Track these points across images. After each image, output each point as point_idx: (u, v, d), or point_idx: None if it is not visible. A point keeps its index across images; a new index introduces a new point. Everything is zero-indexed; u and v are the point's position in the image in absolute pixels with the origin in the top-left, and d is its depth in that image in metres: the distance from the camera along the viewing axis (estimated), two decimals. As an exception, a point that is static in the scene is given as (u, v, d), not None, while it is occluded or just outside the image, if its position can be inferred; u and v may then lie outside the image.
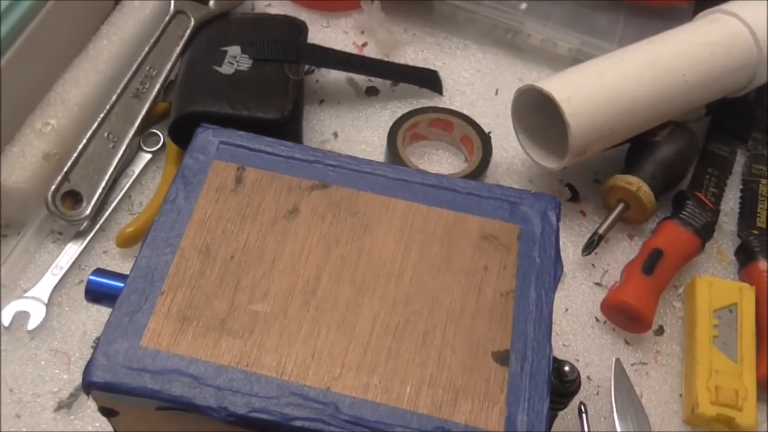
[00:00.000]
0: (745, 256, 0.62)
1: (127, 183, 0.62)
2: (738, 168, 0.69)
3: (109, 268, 0.45)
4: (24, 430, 0.50)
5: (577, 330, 0.58)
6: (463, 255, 0.43)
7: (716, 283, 0.59)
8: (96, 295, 0.43)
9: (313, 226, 0.43)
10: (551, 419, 0.48)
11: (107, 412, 0.39)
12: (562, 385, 0.44)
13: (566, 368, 0.44)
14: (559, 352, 0.57)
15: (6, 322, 0.54)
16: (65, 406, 0.51)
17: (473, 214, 0.44)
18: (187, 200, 0.43)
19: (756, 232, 0.63)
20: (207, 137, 0.46)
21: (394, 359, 0.38)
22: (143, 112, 0.63)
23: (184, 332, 0.38)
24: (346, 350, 0.39)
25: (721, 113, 0.70)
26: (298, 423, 0.36)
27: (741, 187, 0.67)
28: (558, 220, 0.45)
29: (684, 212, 0.62)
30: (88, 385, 0.37)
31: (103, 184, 0.60)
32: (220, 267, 0.41)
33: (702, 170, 0.67)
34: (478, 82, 0.73)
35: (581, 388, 0.55)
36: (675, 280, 0.61)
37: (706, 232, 0.61)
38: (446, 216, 0.44)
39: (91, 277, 0.43)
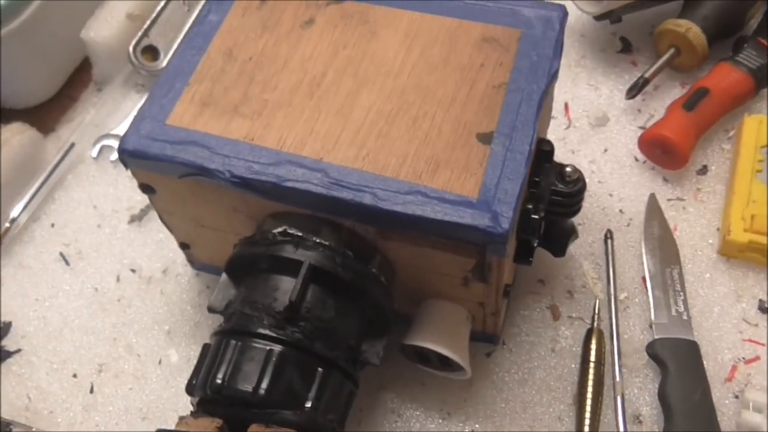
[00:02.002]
0: (804, 96, 0.58)
1: (200, 44, 0.69)
2: (815, 18, 0.64)
3: None
4: (104, 236, 0.59)
5: (615, 169, 0.58)
6: (462, 55, 0.45)
7: (766, 121, 0.56)
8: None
9: (325, 33, 0.47)
10: (568, 231, 0.49)
11: (145, 188, 0.46)
12: (565, 185, 0.45)
13: (568, 169, 0.46)
14: (593, 189, 0.58)
15: (94, 154, 0.63)
16: (137, 219, 0.59)
17: (477, 21, 0.46)
18: (217, 15, 0.49)
19: (822, 74, 0.59)
20: (241, -35, 0.51)
21: (384, 138, 0.42)
22: (215, -19, 0.69)
23: (203, 114, 0.44)
24: (341, 130, 0.42)
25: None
26: (290, 184, 0.41)
27: (815, 34, 0.63)
28: (561, 25, 0.46)
29: (740, 55, 0.59)
30: (122, 152, 0.43)
31: (178, 41, 0.67)
32: (239, 66, 0.46)
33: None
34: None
35: (612, 220, 0.56)
36: (726, 123, 0.59)
37: (761, 74, 0.59)
38: (451, 23, 0.46)
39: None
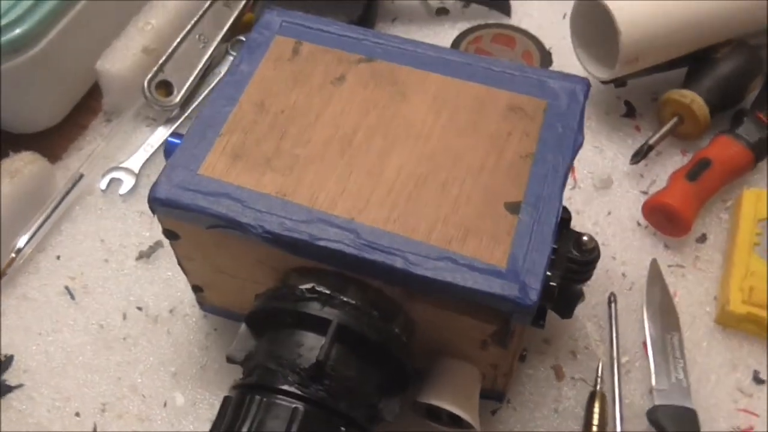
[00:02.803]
0: (800, 172, 0.61)
1: (213, 81, 0.69)
2: (809, 95, 0.68)
3: None
4: (111, 272, 0.58)
5: (618, 232, 0.60)
6: (490, 122, 0.46)
7: (764, 195, 0.59)
8: (172, 151, 0.50)
9: (356, 92, 0.48)
10: (577, 294, 0.51)
11: (169, 234, 0.46)
12: (581, 254, 0.47)
13: (584, 238, 0.47)
14: (596, 250, 0.59)
15: (103, 186, 0.63)
16: (145, 255, 0.59)
17: (504, 89, 0.48)
18: (249, 66, 0.49)
19: (816, 152, 0.62)
20: (272, 16, 0.52)
21: (414, 201, 0.43)
22: (231, 20, 0.70)
23: (235, 166, 0.44)
24: (371, 191, 0.43)
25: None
26: (322, 243, 0.41)
27: (809, 111, 0.66)
28: (585, 97, 0.47)
29: (739, 128, 0.62)
30: (153, 200, 0.43)
31: (192, 77, 0.67)
32: (271, 118, 0.46)
33: (766, 92, 0.66)
34: (546, 6, 0.75)
35: (614, 283, 0.57)
36: (724, 194, 0.62)
37: (759, 148, 0.61)
38: (478, 89, 0.48)
39: (170, 139, 0.50)
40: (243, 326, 0.45)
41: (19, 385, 0.53)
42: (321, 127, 0.46)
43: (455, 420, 0.47)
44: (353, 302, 0.42)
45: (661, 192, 0.59)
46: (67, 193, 0.61)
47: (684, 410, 0.50)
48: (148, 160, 0.64)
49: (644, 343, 0.54)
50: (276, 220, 0.42)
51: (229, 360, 0.44)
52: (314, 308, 0.41)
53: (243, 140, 0.45)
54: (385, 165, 0.44)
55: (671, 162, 0.64)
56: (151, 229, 0.60)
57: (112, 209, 0.62)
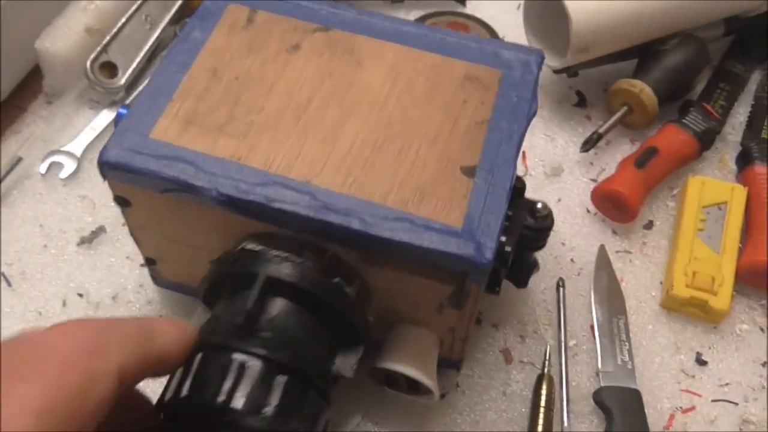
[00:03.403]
0: (743, 160, 0.62)
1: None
2: (753, 87, 0.69)
3: None
4: (50, 258, 0.56)
5: (567, 219, 0.61)
6: (445, 91, 0.46)
7: (709, 182, 0.60)
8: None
9: (311, 60, 0.47)
10: (532, 264, 0.51)
11: (121, 201, 0.45)
12: (536, 220, 0.47)
13: (539, 205, 0.48)
14: (546, 236, 0.59)
15: (43, 170, 0.61)
16: (87, 241, 0.57)
17: (460, 59, 0.48)
18: (201, 33, 0.48)
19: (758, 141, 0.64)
20: (226, -15, 0.51)
21: (370, 166, 0.43)
22: (179, 2, 0.68)
23: (188, 131, 0.43)
24: (327, 156, 0.43)
25: (742, 33, 0.71)
26: (278, 205, 0.41)
27: (752, 103, 0.68)
28: (539, 68, 0.48)
29: (686, 118, 0.63)
30: (103, 164, 0.42)
31: (138, 59, 0.65)
32: (224, 86, 0.45)
33: (714, 84, 0.67)
34: (501, -5, 0.75)
35: (563, 269, 0.58)
36: (671, 181, 0.63)
37: (705, 138, 0.62)
38: (434, 59, 0.48)
39: (121, 110, 0.48)
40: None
41: (-49, 374, 0.51)
42: (276, 95, 0.45)
43: (413, 386, 0.47)
44: (286, 254, 0.41)
45: (609, 179, 0.60)
46: (5, 176, 0.59)
47: (629, 391, 0.51)
48: (90, 143, 0.62)
49: (591, 327, 0.55)
50: (231, 183, 0.41)
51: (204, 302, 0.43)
52: (246, 265, 0.41)
53: (195, 106, 0.44)
54: (340, 132, 0.44)
55: (620, 151, 0.65)
56: (94, 215, 0.59)
57: (52, 194, 0.60)
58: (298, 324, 0.40)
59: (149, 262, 0.51)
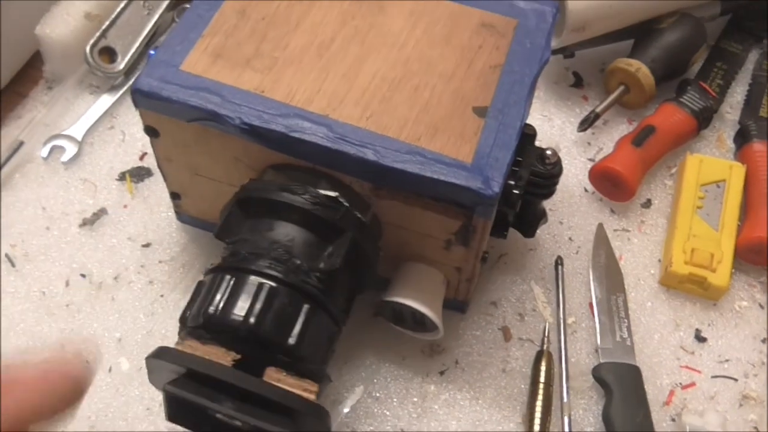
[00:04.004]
0: (741, 139, 0.63)
1: (160, 49, 0.68)
2: (750, 66, 0.69)
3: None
4: (53, 239, 0.57)
5: (565, 198, 0.61)
6: (462, 36, 0.48)
7: (707, 160, 0.60)
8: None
9: (335, 4, 0.49)
10: (540, 213, 0.53)
11: (151, 131, 0.47)
12: (544, 167, 0.48)
13: (548, 152, 0.49)
14: (544, 216, 0.60)
15: (44, 154, 0.61)
16: (89, 223, 0.58)
17: (477, 8, 0.50)
18: None
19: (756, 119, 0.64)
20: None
21: (387, 102, 0.45)
22: (178, -13, 0.69)
23: (216, 65, 0.46)
24: (346, 92, 0.45)
25: (739, 13, 0.71)
26: (297, 135, 0.43)
27: (750, 81, 0.68)
28: (554, 18, 0.49)
29: (684, 96, 0.63)
30: (135, 92, 0.44)
31: (137, 44, 0.66)
32: (252, 24, 0.47)
33: (710, 63, 0.68)
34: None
35: (561, 247, 0.58)
36: (669, 160, 0.63)
37: (703, 116, 0.63)
38: (453, 6, 0.50)
39: (151, 52, 0.55)
40: (231, 212, 0.46)
41: (-44, 354, 0.51)
42: (300, 33, 0.47)
43: (419, 322, 0.49)
44: (320, 193, 0.44)
45: (607, 158, 0.60)
46: (7, 160, 0.60)
47: (628, 367, 0.51)
48: (91, 127, 0.63)
49: (590, 305, 0.55)
50: (254, 113, 0.44)
51: (218, 237, 0.45)
52: (285, 197, 0.43)
53: (224, 42, 0.47)
54: (360, 70, 0.46)
55: (618, 131, 0.65)
56: (95, 197, 0.59)
57: (53, 177, 0.60)
58: (324, 256, 0.43)
59: (174, 197, 0.54)
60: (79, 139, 0.62)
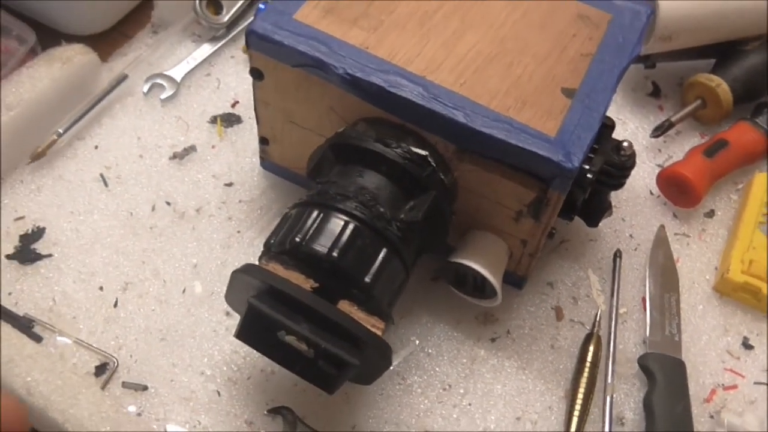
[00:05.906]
0: (811, 165, 0.64)
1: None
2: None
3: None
4: (144, 167, 0.61)
5: (631, 197, 0.63)
6: (558, 24, 0.51)
7: (775, 180, 0.62)
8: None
9: None
10: (606, 205, 0.55)
11: (256, 73, 0.51)
12: (619, 158, 0.51)
13: (625, 144, 0.51)
14: (608, 212, 0.62)
15: (145, 90, 0.65)
16: (178, 156, 0.61)
17: (577, 0, 0.52)
18: None
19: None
20: None
21: (481, 73, 0.48)
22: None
23: (326, 18, 0.49)
24: (444, 58, 0.48)
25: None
26: (394, 90, 0.46)
27: (829, 111, 0.69)
28: (648, 18, 0.52)
29: (760, 117, 0.65)
30: (250, 33, 0.48)
31: (241, 1, 0.70)
32: None
33: (789, 89, 0.69)
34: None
35: (621, 242, 0.60)
36: (737, 176, 0.64)
37: (776, 138, 0.64)
38: None
39: (261, 6, 0.60)
40: (325, 155, 0.49)
41: (49, 255, 0.55)
42: (406, 2, 0.51)
43: (479, 288, 0.52)
44: (410, 149, 0.46)
45: (677, 163, 0.62)
46: (111, 89, 0.64)
47: (674, 360, 0.53)
48: (190, 72, 0.67)
49: (643, 299, 0.57)
50: (357, 65, 0.47)
51: (309, 176, 0.50)
52: (377, 147, 0.46)
53: (335, 2, 0.50)
54: (459, 41, 0.49)
55: (689, 143, 0.66)
56: (186, 135, 0.63)
57: (151, 112, 0.64)
58: (398, 203, 0.46)
59: (263, 141, 0.57)
60: (178, 80, 0.66)
